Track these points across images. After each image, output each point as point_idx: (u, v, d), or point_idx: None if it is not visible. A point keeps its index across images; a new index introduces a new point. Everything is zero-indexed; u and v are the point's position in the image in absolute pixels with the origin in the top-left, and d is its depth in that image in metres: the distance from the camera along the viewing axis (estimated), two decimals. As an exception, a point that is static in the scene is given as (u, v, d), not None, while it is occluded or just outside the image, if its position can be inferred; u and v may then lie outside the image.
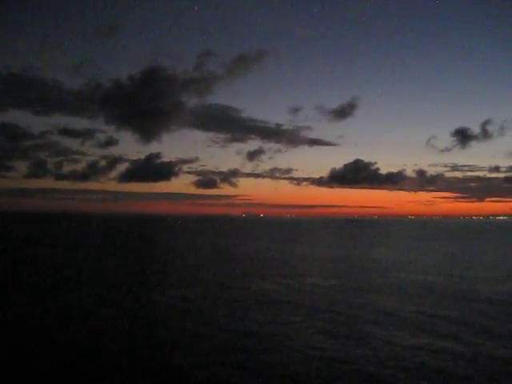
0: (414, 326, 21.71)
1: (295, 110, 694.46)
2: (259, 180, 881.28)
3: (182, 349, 17.74)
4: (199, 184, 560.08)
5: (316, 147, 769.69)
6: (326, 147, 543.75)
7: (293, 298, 28.40)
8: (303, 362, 16.33)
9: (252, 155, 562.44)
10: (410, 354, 17.38)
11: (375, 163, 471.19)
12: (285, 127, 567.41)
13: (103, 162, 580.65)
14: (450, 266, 47.59)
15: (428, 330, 21.12)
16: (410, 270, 43.54)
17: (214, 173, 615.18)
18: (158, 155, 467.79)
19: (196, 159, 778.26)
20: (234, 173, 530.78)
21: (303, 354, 17.20)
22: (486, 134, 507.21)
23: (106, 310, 24.49)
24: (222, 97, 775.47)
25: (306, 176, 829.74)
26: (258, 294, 29.84)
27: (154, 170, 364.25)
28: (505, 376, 15.26)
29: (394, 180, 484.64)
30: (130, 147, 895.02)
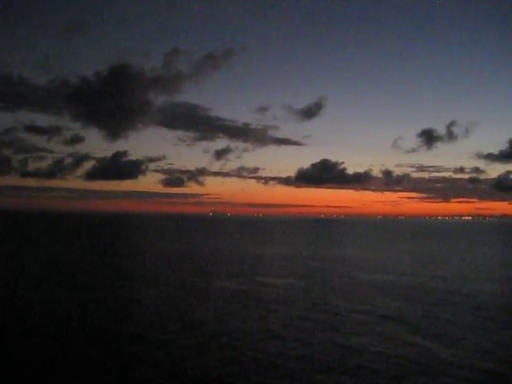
0: (360, 326, 21.98)
1: (263, 110, 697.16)
2: (227, 179, 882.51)
3: (140, 344, 17.60)
4: (166, 183, 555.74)
5: (283, 147, 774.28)
6: (294, 147, 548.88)
7: (242, 298, 28.35)
8: (237, 362, 16.40)
9: (219, 154, 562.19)
10: (351, 353, 17.63)
11: (342, 163, 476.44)
12: (253, 126, 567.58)
13: (69, 160, 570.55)
14: (410, 265, 48.39)
15: (373, 330, 21.36)
16: (369, 269, 44.02)
17: (181, 171, 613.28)
18: (124, 153, 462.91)
19: (163, 158, 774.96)
20: (202, 171, 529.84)
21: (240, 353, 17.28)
22: (451, 136, 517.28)
23: (57, 306, 24.15)
24: (190, 95, 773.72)
25: (273, 175, 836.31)
26: (209, 292, 29.86)
27: (120, 168, 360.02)
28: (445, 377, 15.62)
29: (360, 180, 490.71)
30: (97, 145, 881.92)
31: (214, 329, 20.98)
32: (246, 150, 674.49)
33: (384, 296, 30.02)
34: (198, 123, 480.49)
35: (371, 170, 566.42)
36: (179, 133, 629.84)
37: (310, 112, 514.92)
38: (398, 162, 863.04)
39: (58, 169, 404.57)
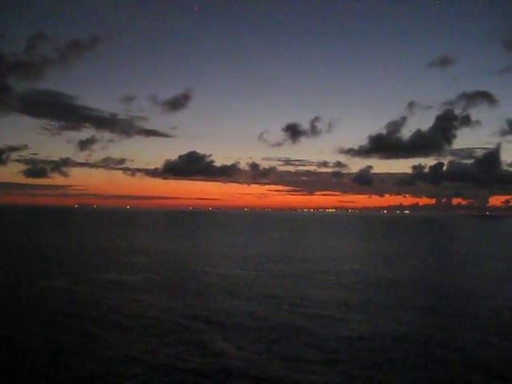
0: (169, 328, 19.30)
1: (128, 99, 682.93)
2: (93, 170, 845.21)
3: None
4: (29, 173, 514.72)
5: (151, 138, 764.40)
6: (161, 138, 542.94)
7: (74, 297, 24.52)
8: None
9: (84, 144, 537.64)
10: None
11: (210, 156, 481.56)
12: (120, 117, 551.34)
13: None
14: (270, 258, 47.23)
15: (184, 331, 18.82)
16: (221, 264, 41.96)
17: (44, 162, 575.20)
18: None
19: (25, 147, 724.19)
20: (66, 162, 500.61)
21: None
22: (314, 131, 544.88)
23: None
24: (54, 83, 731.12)
25: (140, 167, 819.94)
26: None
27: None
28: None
29: (228, 172, 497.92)
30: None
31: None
32: (112, 140, 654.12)
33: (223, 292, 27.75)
34: (63, 112, 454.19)
35: (239, 162, 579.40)
36: (43, 121, 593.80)
37: (176, 103, 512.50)
38: (265, 156, 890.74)
39: None
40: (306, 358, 15.86)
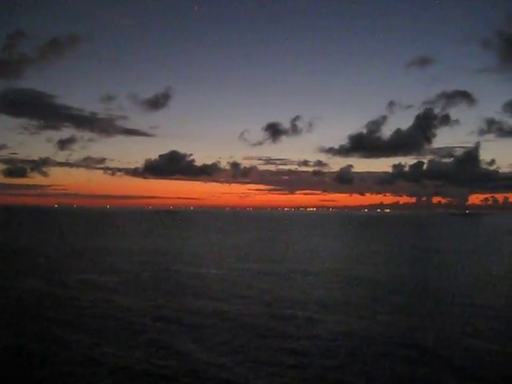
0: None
1: (108, 99, 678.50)
2: (73, 169, 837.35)
3: None
4: (8, 173, 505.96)
5: (132, 137, 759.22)
6: (142, 137, 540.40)
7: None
8: None
9: (64, 143, 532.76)
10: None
11: (191, 155, 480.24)
12: (100, 116, 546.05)
13: None
14: (246, 257, 46.83)
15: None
16: (198, 263, 41.49)
17: (24, 161, 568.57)
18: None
19: (4, 146, 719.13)
20: (46, 162, 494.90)
21: None
22: (295, 130, 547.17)
23: None
24: (34, 81, 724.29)
25: (121, 166, 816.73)
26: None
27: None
28: None
29: (209, 172, 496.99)
30: None
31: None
32: (92, 139, 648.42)
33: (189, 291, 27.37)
34: (42, 111, 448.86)
35: (219, 162, 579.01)
36: (22, 121, 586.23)
37: (157, 102, 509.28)
38: (246, 155, 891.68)
39: None
40: (276, 359, 15.57)
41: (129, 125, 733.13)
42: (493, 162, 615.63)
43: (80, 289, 28.10)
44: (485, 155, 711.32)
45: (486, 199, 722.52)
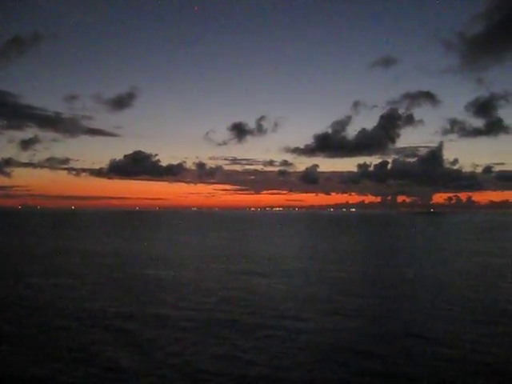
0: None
1: (72, 98, 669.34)
2: (37, 170, 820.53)
3: None
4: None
5: (96, 137, 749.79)
6: (106, 137, 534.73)
7: None
8: None
9: (27, 144, 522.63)
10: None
11: (156, 155, 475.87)
12: (64, 116, 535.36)
13: None
14: (208, 258, 45.97)
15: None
16: (161, 264, 40.39)
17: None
18: None
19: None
20: (9, 162, 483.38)
21: None
22: (260, 130, 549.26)
23: None
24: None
25: (85, 167, 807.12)
26: None
27: None
28: None
29: (174, 172, 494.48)
30: None
31: None
32: (56, 140, 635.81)
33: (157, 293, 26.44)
34: (4, 111, 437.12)
35: (185, 162, 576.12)
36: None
37: (122, 102, 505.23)
38: (212, 155, 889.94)
39: None
40: (233, 361, 14.87)
41: (93, 125, 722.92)
42: (456, 161, 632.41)
43: (37, 291, 26.79)
44: (448, 155, 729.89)
45: (450, 198, 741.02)
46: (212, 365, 14.92)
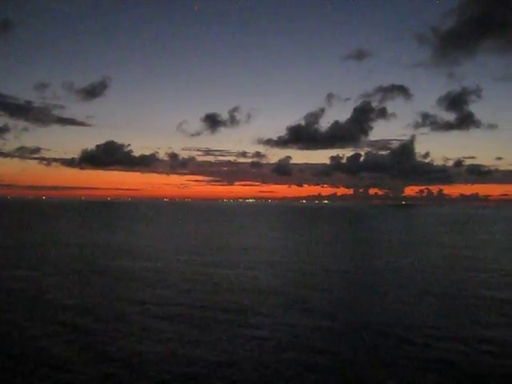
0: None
1: (43, 86, 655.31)
2: (6, 159, 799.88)
3: None
4: None
5: (68, 126, 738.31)
6: (78, 127, 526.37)
7: None
8: None
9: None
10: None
11: (128, 145, 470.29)
12: (35, 105, 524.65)
13: None
14: (186, 249, 45.39)
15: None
16: (127, 255, 39.69)
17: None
18: None
19: None
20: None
21: None
22: (233, 121, 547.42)
23: None
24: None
25: (57, 156, 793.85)
26: None
27: None
28: None
29: (147, 163, 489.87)
30: None
31: None
32: (26, 129, 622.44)
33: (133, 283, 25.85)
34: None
35: (158, 152, 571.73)
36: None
37: (93, 91, 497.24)
38: (185, 146, 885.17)
39: None
40: (182, 357, 14.48)
41: (64, 114, 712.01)
42: (427, 154, 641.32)
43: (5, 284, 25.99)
44: (420, 148, 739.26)
45: (421, 191, 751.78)
46: (160, 361, 14.55)
